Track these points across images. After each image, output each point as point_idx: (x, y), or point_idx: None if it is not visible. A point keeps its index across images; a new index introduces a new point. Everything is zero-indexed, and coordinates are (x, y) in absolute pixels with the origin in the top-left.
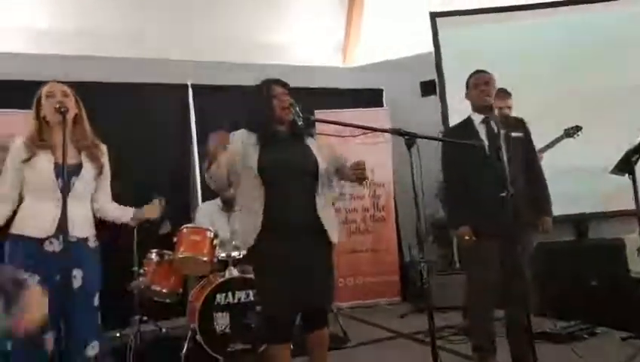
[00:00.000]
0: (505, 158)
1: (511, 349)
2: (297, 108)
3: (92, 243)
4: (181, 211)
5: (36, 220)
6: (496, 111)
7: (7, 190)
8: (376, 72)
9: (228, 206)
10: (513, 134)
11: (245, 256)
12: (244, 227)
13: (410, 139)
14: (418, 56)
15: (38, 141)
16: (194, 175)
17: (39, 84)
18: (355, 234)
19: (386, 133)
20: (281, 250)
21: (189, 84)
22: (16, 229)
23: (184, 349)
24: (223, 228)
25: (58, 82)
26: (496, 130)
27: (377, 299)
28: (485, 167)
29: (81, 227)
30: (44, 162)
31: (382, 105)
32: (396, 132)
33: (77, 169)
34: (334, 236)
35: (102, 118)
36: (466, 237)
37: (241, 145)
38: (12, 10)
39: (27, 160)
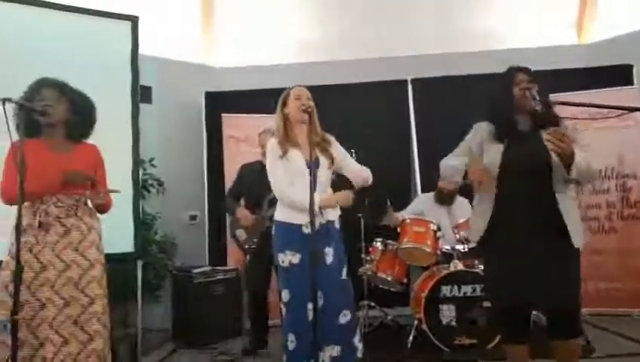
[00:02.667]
0: None
1: None
2: (533, 92)
3: (337, 224)
4: (400, 206)
5: (294, 210)
6: None
7: (286, 179)
8: (620, 47)
9: (443, 199)
10: None
11: (474, 249)
12: (475, 220)
13: None
14: None
15: (287, 138)
16: (414, 169)
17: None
18: (598, 233)
19: (636, 115)
20: (513, 246)
21: (408, 79)
22: (281, 217)
23: (410, 337)
24: (442, 220)
25: (302, 86)
26: None
27: (628, 309)
28: None
29: (329, 212)
30: (296, 157)
31: (631, 84)
32: None
33: (316, 162)
34: (578, 239)
35: (328, 118)
36: None
37: (480, 139)
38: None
39: (282, 156)
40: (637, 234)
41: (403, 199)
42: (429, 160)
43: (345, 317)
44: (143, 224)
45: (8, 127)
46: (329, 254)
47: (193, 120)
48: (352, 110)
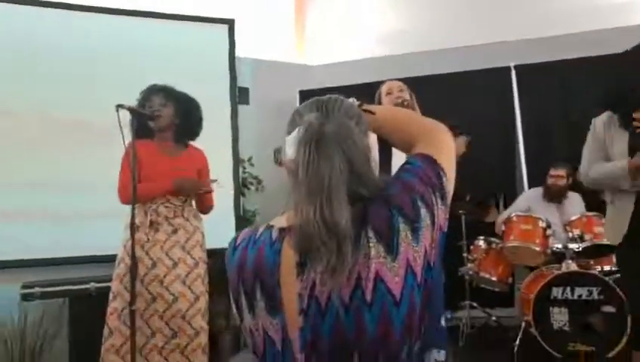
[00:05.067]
0: None
1: None
2: None
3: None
4: (508, 200)
5: None
6: None
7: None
8: None
9: (553, 195)
10: None
11: (588, 249)
12: (612, 220)
13: None
14: None
15: None
16: (519, 162)
17: (379, 83)
18: None
19: None
20: None
21: (511, 65)
22: None
23: (517, 340)
24: (552, 218)
25: (394, 80)
26: None
27: None
28: None
29: None
30: (397, 152)
31: None
32: None
33: None
34: None
35: (426, 110)
36: None
37: (602, 134)
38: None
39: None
40: None
41: (508, 194)
42: (536, 152)
43: (445, 321)
44: (243, 220)
45: (122, 131)
46: None
47: (288, 119)
48: (452, 101)
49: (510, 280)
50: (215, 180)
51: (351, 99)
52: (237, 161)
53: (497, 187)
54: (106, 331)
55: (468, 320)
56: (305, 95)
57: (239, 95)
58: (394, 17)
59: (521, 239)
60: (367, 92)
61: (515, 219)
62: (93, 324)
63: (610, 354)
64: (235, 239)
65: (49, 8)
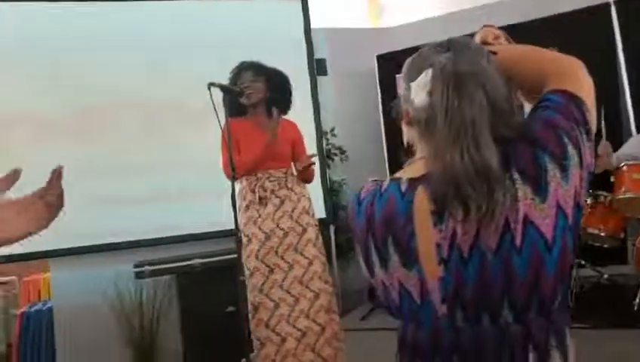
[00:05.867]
0: None
1: None
2: None
3: None
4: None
5: None
6: None
7: None
8: None
9: None
10: None
11: None
12: None
13: None
14: None
15: None
16: (625, 105)
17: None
18: None
19: None
20: None
21: (611, 1)
22: None
23: (637, 299)
24: None
25: (489, 26)
26: None
27: None
28: None
29: None
30: None
31: None
32: None
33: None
34: None
35: None
36: None
37: None
38: None
39: None
40: None
41: (614, 140)
42: None
43: None
44: (331, 191)
45: (215, 109)
46: None
47: (368, 85)
48: (549, 46)
49: (622, 235)
50: (315, 155)
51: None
52: (320, 132)
53: (601, 133)
54: (250, 308)
55: (577, 279)
56: (383, 59)
57: (317, 66)
58: None
59: (635, 190)
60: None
61: (625, 168)
62: (200, 297)
63: None
64: (358, 195)
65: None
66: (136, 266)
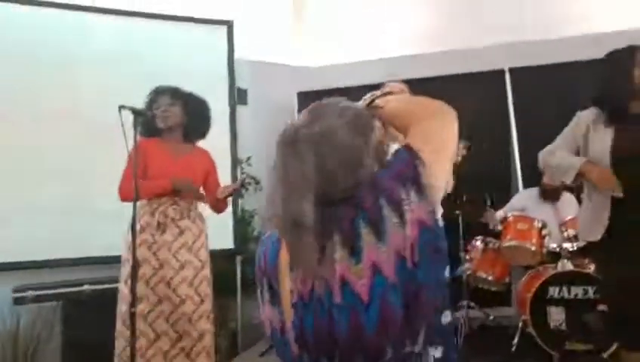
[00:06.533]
0: None
1: None
2: None
3: (441, 222)
4: (503, 201)
5: None
6: None
7: None
8: None
9: (548, 195)
10: None
11: (584, 248)
12: (586, 219)
13: None
14: None
15: (386, 134)
16: (514, 163)
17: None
18: None
19: None
20: (632, 248)
21: (505, 68)
22: None
23: (515, 339)
24: (547, 218)
25: (395, 81)
26: None
27: None
28: None
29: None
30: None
31: None
32: None
33: None
34: None
35: None
36: None
37: (585, 129)
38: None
39: None
40: None
41: (503, 195)
42: (531, 153)
43: (446, 318)
44: (241, 221)
45: (124, 131)
46: None
47: (286, 120)
48: (448, 103)
49: (507, 279)
50: (244, 177)
51: (368, 95)
52: (235, 161)
53: (493, 188)
54: (128, 334)
55: (466, 320)
56: (303, 97)
57: (238, 96)
58: (393, 19)
59: (518, 239)
60: (366, 93)
61: (511, 219)
62: (88, 326)
63: (606, 354)
64: (263, 236)
65: (46, 8)
66: (16, 291)
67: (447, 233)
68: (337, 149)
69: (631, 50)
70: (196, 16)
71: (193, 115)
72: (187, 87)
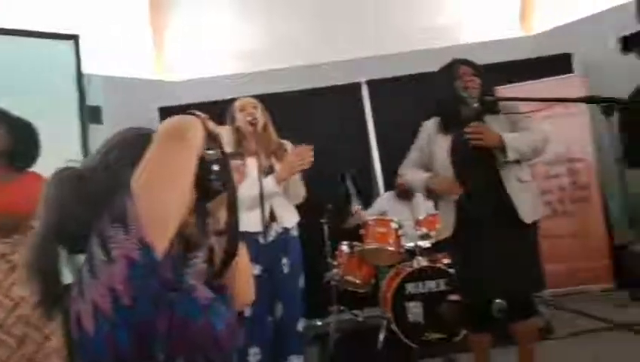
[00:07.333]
0: None
1: None
2: (476, 85)
3: (295, 231)
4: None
5: (249, 218)
6: None
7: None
8: (562, 35)
9: (403, 194)
10: None
11: (436, 244)
12: (444, 218)
13: (609, 105)
14: (613, 9)
15: (239, 149)
16: (374, 171)
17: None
18: (552, 217)
19: (580, 103)
20: (476, 237)
21: (362, 81)
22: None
23: (380, 338)
24: (404, 217)
25: (247, 97)
26: None
27: (586, 286)
28: None
29: (284, 219)
30: (251, 167)
31: (571, 72)
32: (587, 100)
33: (270, 171)
34: (527, 215)
35: (284, 126)
36: None
37: (427, 137)
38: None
39: None
40: (589, 215)
41: (366, 200)
42: (390, 160)
43: (301, 327)
44: None
45: None
46: (286, 264)
47: None
48: (308, 117)
49: (374, 280)
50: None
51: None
52: None
53: (356, 195)
54: None
55: (335, 324)
56: (165, 112)
57: (91, 114)
58: (252, 34)
59: (377, 241)
60: (228, 109)
61: (371, 223)
62: None
63: (457, 339)
64: None
65: None
66: None
67: (312, 241)
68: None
69: (453, 64)
70: (49, 30)
71: (19, 141)
72: (34, 104)
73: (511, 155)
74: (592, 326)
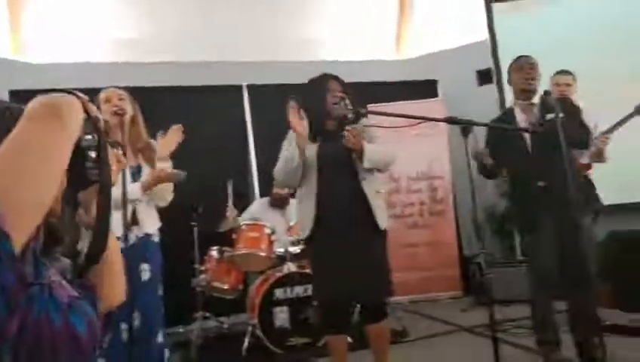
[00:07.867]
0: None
1: (575, 342)
2: (346, 102)
3: (156, 238)
4: (241, 208)
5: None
6: (555, 92)
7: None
8: (431, 63)
9: (277, 203)
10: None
11: (306, 249)
12: (302, 219)
13: (466, 127)
14: (473, 45)
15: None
16: (251, 174)
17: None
18: (412, 228)
19: (441, 125)
20: (332, 240)
21: (243, 85)
22: None
23: (245, 344)
24: (277, 224)
25: (114, 87)
26: (539, 116)
27: (437, 293)
28: (526, 155)
29: (146, 224)
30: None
31: (436, 97)
32: (450, 120)
33: (137, 171)
34: (382, 222)
35: (163, 120)
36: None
37: (294, 143)
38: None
39: None
40: (444, 228)
41: (242, 204)
42: (267, 165)
43: (161, 338)
44: None
45: None
46: (146, 270)
47: None
48: (185, 114)
49: (242, 286)
50: None
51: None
52: None
53: (233, 193)
54: None
55: (199, 331)
56: (18, 95)
57: None
58: (127, 24)
59: (249, 246)
60: (90, 98)
61: (244, 228)
62: None
63: (321, 343)
64: None
65: None
66: None
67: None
68: None
69: (324, 78)
70: None
71: None
72: None
73: (366, 163)
74: (442, 330)
